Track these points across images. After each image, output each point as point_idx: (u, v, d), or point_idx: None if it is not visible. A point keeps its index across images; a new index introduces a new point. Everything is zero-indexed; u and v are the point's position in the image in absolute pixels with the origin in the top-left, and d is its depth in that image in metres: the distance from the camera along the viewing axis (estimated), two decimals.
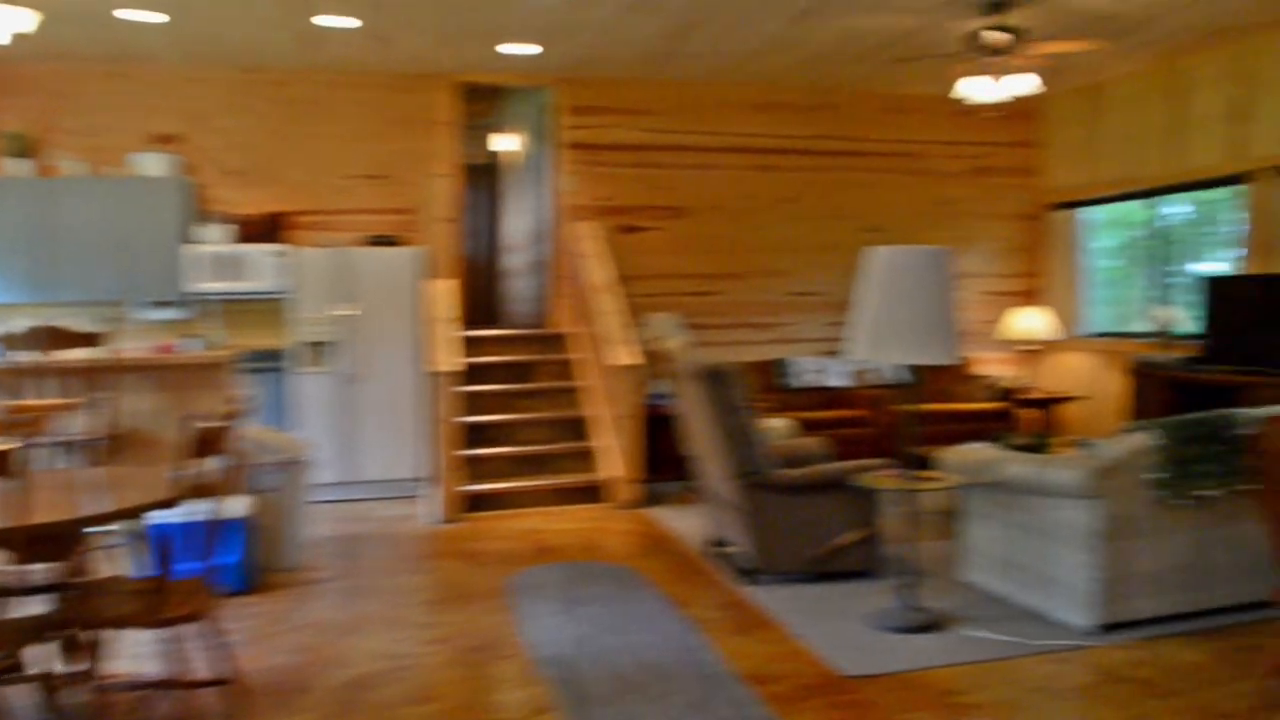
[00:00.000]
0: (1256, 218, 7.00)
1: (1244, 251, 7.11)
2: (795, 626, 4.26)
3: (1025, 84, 6.28)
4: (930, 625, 4.20)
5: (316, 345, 6.98)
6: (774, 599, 4.62)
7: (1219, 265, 7.53)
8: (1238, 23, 6.63)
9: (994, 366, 8.88)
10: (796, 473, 4.74)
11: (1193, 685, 3.61)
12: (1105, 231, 8.79)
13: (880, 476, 4.34)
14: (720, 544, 5.35)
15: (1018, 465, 4.29)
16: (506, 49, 6.98)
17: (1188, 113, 7.56)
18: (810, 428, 7.37)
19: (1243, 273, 7.07)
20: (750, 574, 4.89)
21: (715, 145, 8.26)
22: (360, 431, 7.07)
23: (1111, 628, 4.09)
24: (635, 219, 8.11)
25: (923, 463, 5.58)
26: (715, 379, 4.71)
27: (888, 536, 5.00)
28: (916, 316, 3.96)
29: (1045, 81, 7.83)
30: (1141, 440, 4.01)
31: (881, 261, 4.07)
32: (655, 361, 7.09)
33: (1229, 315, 6.84)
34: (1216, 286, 6.98)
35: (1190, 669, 3.75)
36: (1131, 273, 8.48)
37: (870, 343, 4.03)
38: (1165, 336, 7.41)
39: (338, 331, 7.03)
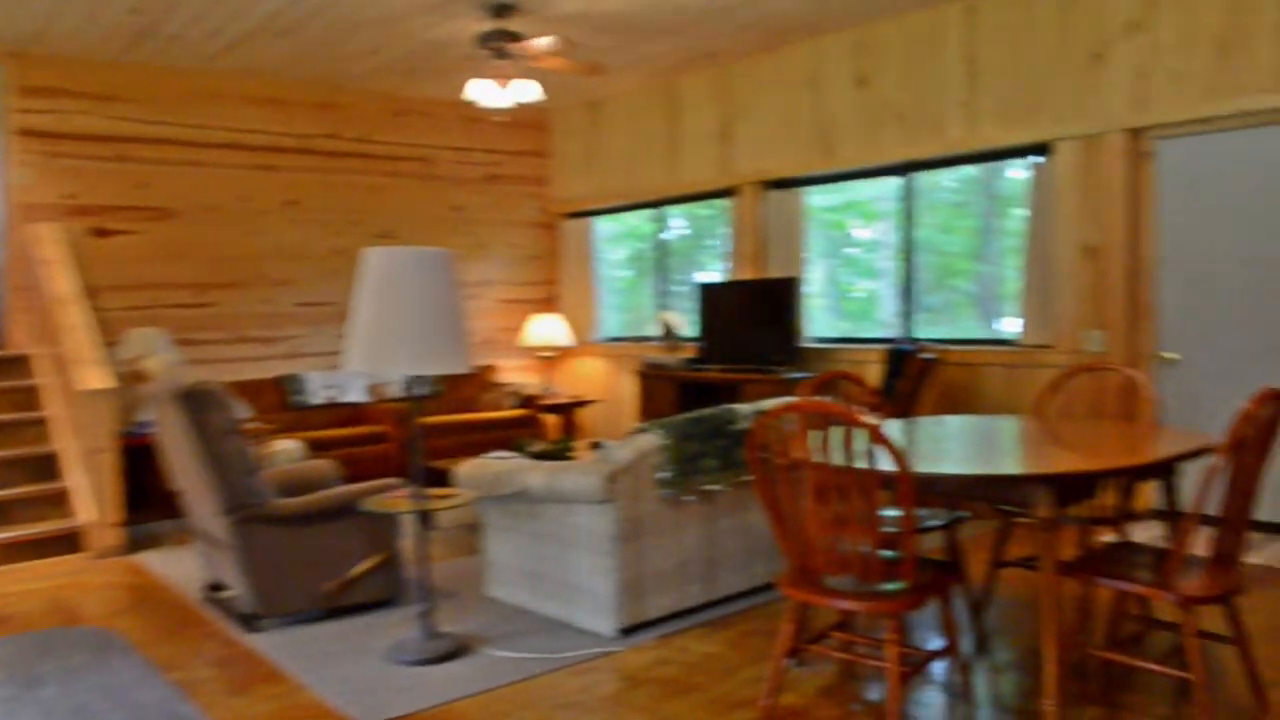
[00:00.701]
0: (740, 228, 7.59)
1: (731, 260, 7.69)
2: (306, 675, 3.77)
3: (529, 92, 6.26)
4: (455, 651, 3.90)
5: None
6: (281, 646, 4.08)
7: (715, 274, 8.09)
8: (718, 48, 7.14)
9: (516, 374, 8.90)
10: (295, 502, 4.23)
11: (712, 677, 3.64)
12: (618, 242, 9.16)
13: (389, 499, 3.98)
14: (217, 589, 4.69)
15: (533, 474, 4.13)
16: None
17: (683, 130, 8.05)
18: (327, 448, 6.84)
19: (730, 279, 7.64)
20: (252, 620, 4.30)
21: (206, 141, 7.43)
22: None
23: (633, 629, 4.06)
24: (109, 220, 7.05)
25: (440, 478, 5.31)
26: (194, 401, 4.06)
27: (408, 560, 4.65)
28: (418, 323, 3.62)
29: (550, 93, 7.96)
30: (647, 441, 4.02)
31: (377, 264, 3.69)
32: (136, 384, 6.17)
33: (721, 318, 7.35)
34: (708, 292, 7.47)
35: (709, 661, 3.79)
36: (641, 282, 8.90)
37: (368, 353, 3.63)
38: (670, 340, 7.81)
39: None
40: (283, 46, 6.76)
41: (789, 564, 3.07)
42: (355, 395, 7.68)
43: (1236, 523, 2.97)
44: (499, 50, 6.07)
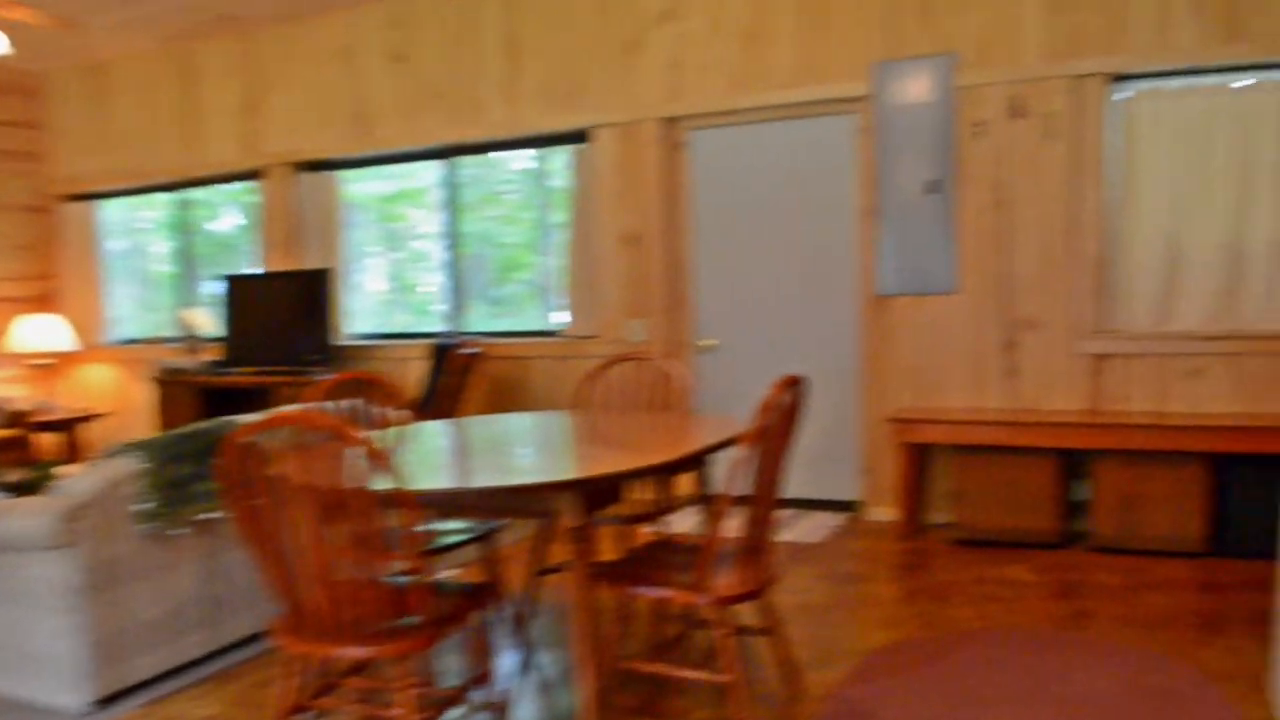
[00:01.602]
0: (270, 215, 6.85)
1: (261, 250, 6.92)
2: None
3: None
4: None
5: None
6: None
7: (256, 268, 7.22)
8: (237, 13, 6.34)
9: (3, 386, 7.47)
10: None
11: None
12: (159, 232, 7.94)
13: None
14: None
15: None
16: None
17: (204, 103, 7.11)
18: None
19: (259, 271, 6.88)
20: None
21: None
22: None
23: (113, 699, 3.31)
24: None
25: None
26: None
27: None
28: None
29: (37, 51, 6.71)
30: (119, 466, 3.28)
31: None
32: None
33: (249, 315, 6.58)
34: (235, 286, 6.66)
35: None
36: (168, 277, 7.80)
37: None
38: (193, 340, 6.87)
39: None
40: None
41: (281, 607, 2.54)
42: None
43: (763, 515, 2.86)
44: None
